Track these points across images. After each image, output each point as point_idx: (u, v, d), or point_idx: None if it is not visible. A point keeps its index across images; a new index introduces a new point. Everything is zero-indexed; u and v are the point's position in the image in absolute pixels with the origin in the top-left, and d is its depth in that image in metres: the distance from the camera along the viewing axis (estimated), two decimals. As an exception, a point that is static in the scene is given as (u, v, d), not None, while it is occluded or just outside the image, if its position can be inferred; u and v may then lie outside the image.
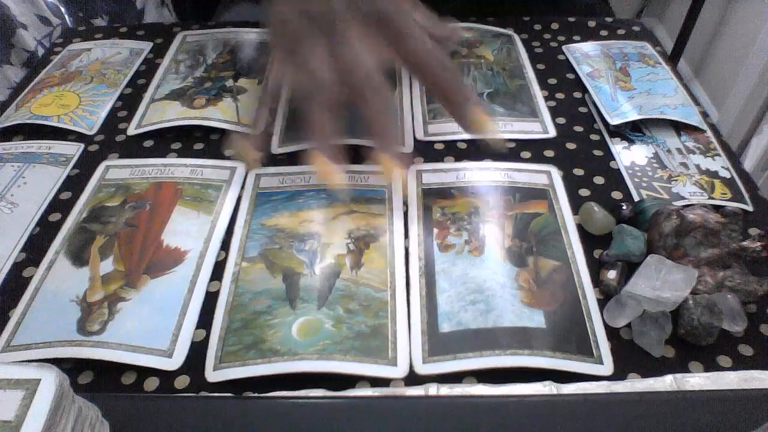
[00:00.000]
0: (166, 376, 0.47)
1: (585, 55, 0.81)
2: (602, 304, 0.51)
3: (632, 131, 0.70)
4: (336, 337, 0.48)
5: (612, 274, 0.52)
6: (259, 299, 0.51)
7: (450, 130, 0.70)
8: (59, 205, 0.62)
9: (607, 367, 0.47)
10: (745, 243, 0.51)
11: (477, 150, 0.67)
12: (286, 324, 0.49)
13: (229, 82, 0.77)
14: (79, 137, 0.71)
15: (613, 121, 0.69)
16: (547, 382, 0.46)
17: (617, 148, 0.68)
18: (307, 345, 0.48)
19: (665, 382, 0.46)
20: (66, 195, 0.63)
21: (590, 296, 0.52)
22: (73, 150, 0.69)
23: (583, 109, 0.74)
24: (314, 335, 0.48)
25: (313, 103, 0.50)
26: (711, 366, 0.47)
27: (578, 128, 0.71)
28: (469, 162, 0.66)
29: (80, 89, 0.77)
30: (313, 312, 0.50)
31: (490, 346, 0.47)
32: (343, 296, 0.51)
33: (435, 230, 0.57)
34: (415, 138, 0.69)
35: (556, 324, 0.49)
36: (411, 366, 0.47)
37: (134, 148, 0.69)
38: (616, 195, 0.62)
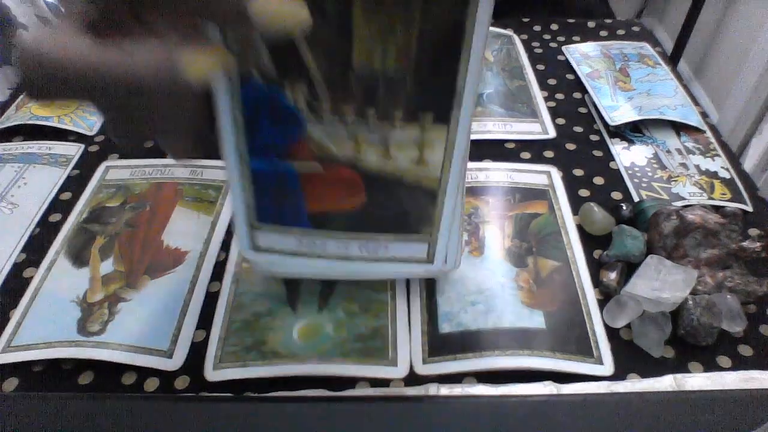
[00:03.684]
0: (166, 377, 0.47)
1: (585, 56, 0.82)
2: (602, 304, 0.51)
3: (632, 132, 0.70)
4: (336, 339, 0.48)
5: (612, 275, 0.52)
6: (259, 300, 0.51)
7: (450, 130, 0.70)
8: (59, 206, 0.62)
9: (607, 368, 0.47)
10: (744, 243, 0.51)
11: (477, 150, 0.67)
12: (287, 326, 0.49)
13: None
14: (79, 138, 0.71)
15: (613, 121, 0.69)
16: (547, 382, 0.46)
17: (617, 148, 0.68)
18: (308, 348, 0.48)
19: (665, 383, 0.46)
20: (66, 195, 0.63)
21: (590, 296, 0.52)
22: (73, 150, 0.69)
23: (582, 110, 0.74)
24: (315, 338, 0.48)
25: None
26: (711, 366, 0.47)
27: (578, 129, 0.71)
28: (469, 162, 0.65)
29: (80, 90, 0.77)
30: (313, 314, 0.50)
31: (490, 347, 0.47)
32: (343, 298, 0.51)
33: (435, 231, 0.57)
34: (415, 138, 0.69)
35: (556, 324, 0.49)
36: (411, 366, 0.47)
37: (134, 148, 0.69)
38: (616, 195, 0.62)
